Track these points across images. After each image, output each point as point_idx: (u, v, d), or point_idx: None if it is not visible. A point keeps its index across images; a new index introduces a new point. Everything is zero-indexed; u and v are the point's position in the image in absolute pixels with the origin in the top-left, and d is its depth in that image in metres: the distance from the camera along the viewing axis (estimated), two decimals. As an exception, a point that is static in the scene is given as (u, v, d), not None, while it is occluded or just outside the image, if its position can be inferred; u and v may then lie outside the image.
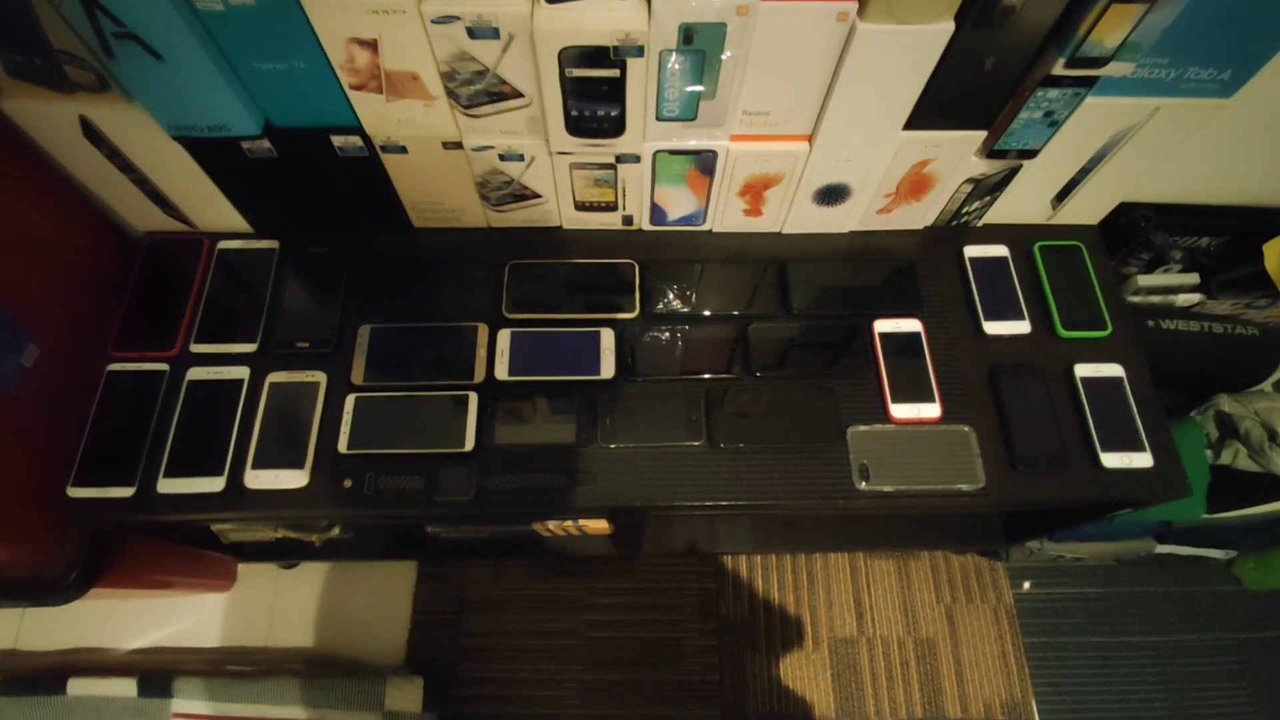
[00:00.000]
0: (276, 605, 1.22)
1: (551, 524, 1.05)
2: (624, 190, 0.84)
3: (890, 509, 0.81)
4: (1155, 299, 1.01)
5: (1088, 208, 0.91)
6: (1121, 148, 0.81)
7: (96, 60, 0.65)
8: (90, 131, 0.74)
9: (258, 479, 0.77)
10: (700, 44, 0.65)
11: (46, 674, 1.09)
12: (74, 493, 0.76)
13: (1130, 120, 0.77)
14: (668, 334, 0.86)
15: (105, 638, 1.17)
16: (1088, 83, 0.70)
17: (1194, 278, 1.02)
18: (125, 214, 0.87)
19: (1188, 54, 0.69)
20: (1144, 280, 1.00)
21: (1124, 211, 0.93)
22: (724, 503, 0.80)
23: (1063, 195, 0.89)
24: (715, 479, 0.80)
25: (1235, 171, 0.93)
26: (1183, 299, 1.02)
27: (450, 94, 0.70)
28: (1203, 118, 0.76)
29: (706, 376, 0.84)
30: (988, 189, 0.86)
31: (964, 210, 0.90)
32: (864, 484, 0.79)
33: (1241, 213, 0.99)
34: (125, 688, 1.07)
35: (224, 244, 0.89)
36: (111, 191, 0.83)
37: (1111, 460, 0.81)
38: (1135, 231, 0.94)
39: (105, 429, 0.79)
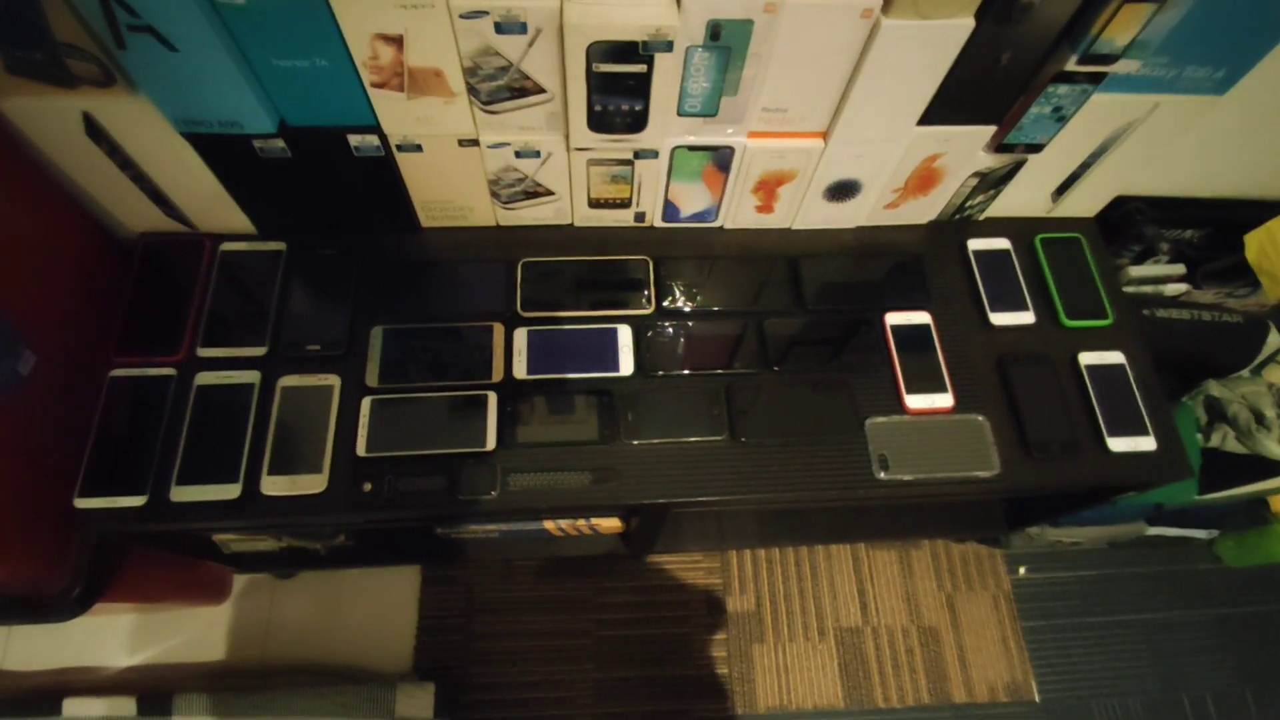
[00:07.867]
0: (274, 617, 1.19)
1: (563, 522, 1.04)
2: (640, 186, 0.84)
3: (910, 497, 0.82)
4: (1146, 289, 1.05)
5: (1086, 201, 0.94)
6: (1121, 143, 0.83)
7: (103, 52, 0.63)
8: (92, 128, 0.71)
9: (274, 485, 0.75)
10: (727, 40, 0.65)
11: (39, 694, 1.05)
12: (81, 503, 0.73)
13: (1131, 116, 0.79)
14: (684, 330, 0.86)
15: (97, 656, 1.13)
16: (1096, 79, 0.72)
17: (1180, 268, 1.06)
18: (120, 214, 0.84)
19: (1187, 53, 0.72)
20: (1135, 271, 1.04)
21: (1119, 204, 0.96)
22: (749, 496, 0.80)
23: (1063, 189, 0.92)
24: (739, 473, 0.80)
25: (1218, 166, 0.97)
26: (1170, 289, 1.06)
27: (471, 90, 0.69)
28: (1197, 114, 0.79)
29: (724, 372, 0.84)
30: (993, 183, 0.88)
31: (967, 204, 0.92)
32: (883, 474, 0.80)
33: (1223, 205, 1.03)
34: (124, 707, 1.03)
35: (227, 245, 0.86)
36: (108, 191, 0.80)
37: (1118, 445, 0.83)
38: (1130, 223, 0.97)
39: (111, 436, 0.76)
